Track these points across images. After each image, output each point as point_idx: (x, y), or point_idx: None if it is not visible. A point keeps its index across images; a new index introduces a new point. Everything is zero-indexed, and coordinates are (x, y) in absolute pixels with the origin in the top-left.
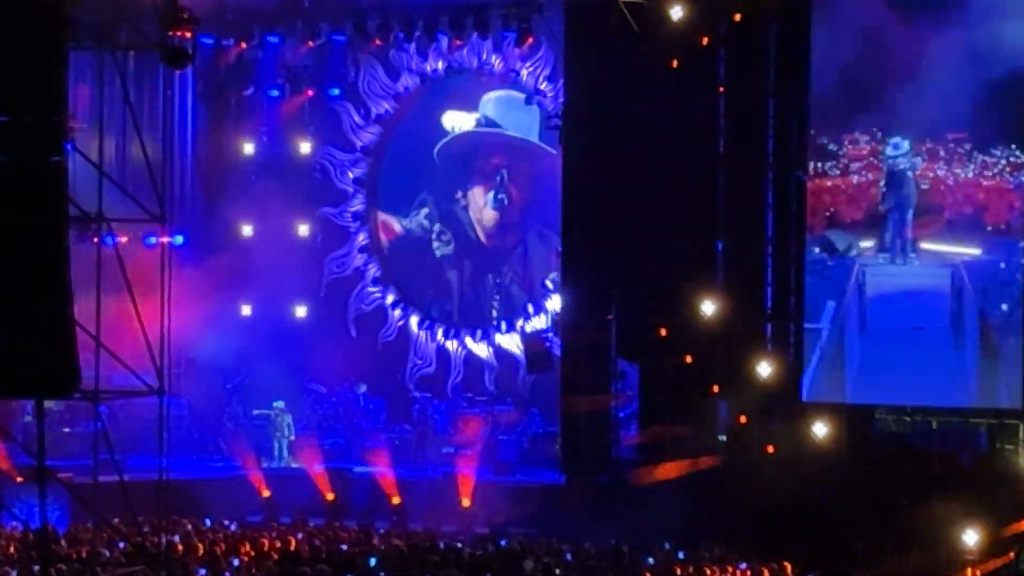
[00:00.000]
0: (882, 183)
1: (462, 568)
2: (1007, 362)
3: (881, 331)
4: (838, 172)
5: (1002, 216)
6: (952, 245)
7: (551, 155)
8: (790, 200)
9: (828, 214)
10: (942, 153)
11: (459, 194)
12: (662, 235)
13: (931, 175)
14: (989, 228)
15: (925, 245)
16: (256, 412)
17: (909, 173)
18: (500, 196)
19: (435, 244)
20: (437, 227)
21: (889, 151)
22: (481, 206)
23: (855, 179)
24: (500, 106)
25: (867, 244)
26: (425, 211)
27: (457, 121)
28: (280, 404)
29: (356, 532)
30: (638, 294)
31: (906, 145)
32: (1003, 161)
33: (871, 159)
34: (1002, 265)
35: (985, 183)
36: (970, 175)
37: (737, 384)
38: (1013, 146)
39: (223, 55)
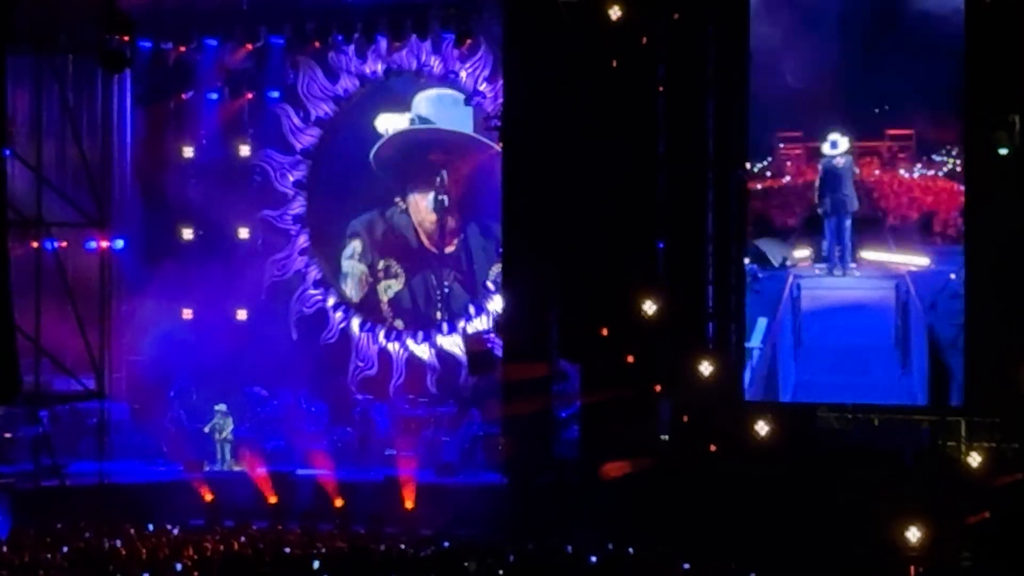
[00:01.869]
0: (818, 185)
1: (405, 570)
2: (958, 384)
3: (818, 351)
4: (769, 174)
5: (952, 222)
6: (897, 254)
7: (488, 149)
8: (730, 199)
9: (759, 220)
10: (884, 152)
11: (398, 199)
12: (603, 235)
13: (873, 176)
14: (938, 235)
15: (866, 254)
16: (205, 428)
17: (848, 174)
18: (440, 197)
19: (383, 285)
20: (382, 264)
21: (826, 149)
22: (423, 210)
23: (788, 181)
24: (433, 104)
25: (802, 253)
26: (357, 245)
27: (391, 123)
28: (222, 407)
29: (299, 535)
30: (579, 294)
31: (845, 142)
32: (951, 161)
33: (806, 158)
34: (952, 276)
35: (933, 185)
36: (916, 176)
37: (679, 383)
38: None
39: (161, 58)
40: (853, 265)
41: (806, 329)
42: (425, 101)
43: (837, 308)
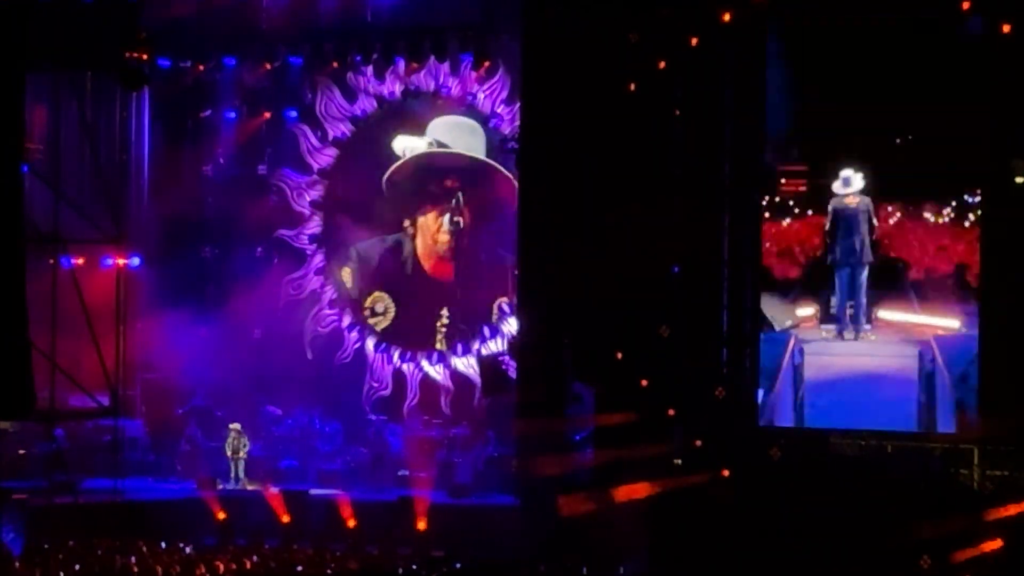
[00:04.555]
0: (827, 229)
1: None
2: None
3: (825, 430)
4: (767, 215)
5: None
6: (921, 315)
7: (502, 174)
8: (746, 223)
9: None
10: (907, 191)
11: (407, 223)
12: (618, 258)
13: (893, 219)
14: (970, 292)
15: (884, 314)
16: (218, 444)
17: (863, 217)
18: (455, 220)
19: (372, 320)
20: (369, 300)
21: (837, 187)
22: (434, 231)
23: (790, 223)
24: (450, 130)
25: (806, 312)
26: (347, 273)
27: (408, 144)
28: (236, 426)
29: (311, 555)
30: (594, 317)
31: (859, 180)
32: None
33: (812, 197)
34: None
35: (965, 232)
36: (945, 221)
37: (693, 407)
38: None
39: (180, 77)
40: (868, 327)
41: (810, 405)
42: (442, 127)
43: (848, 380)
